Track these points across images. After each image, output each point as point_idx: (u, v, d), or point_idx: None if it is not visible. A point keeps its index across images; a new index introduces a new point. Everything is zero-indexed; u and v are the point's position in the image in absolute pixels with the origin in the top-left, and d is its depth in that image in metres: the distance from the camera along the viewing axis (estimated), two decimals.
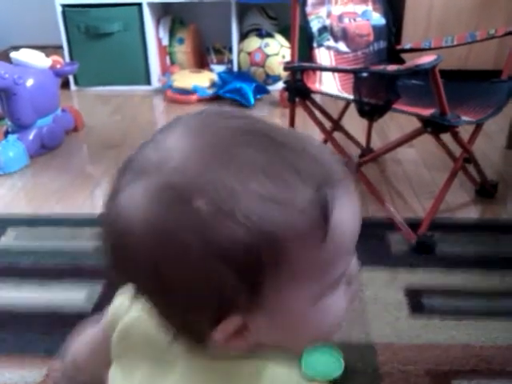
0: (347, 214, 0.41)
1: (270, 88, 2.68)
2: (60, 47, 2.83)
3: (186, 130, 0.43)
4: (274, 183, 0.38)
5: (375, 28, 1.65)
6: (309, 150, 0.41)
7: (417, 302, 1.24)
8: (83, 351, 0.63)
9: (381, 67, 1.34)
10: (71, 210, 1.69)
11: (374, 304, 1.23)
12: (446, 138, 1.47)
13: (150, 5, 2.74)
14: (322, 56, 1.55)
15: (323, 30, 1.53)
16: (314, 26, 1.52)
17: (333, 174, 0.40)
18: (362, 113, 1.35)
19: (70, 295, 1.29)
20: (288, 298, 0.41)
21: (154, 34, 2.86)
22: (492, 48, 2.48)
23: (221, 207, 0.37)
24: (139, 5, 2.70)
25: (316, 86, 1.53)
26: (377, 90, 1.32)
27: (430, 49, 1.64)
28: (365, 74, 1.28)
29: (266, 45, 2.61)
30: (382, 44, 1.67)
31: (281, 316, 0.42)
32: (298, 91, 1.55)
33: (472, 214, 1.64)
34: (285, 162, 0.39)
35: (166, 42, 2.92)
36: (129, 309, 0.54)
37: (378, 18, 1.66)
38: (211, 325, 0.41)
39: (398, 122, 2.19)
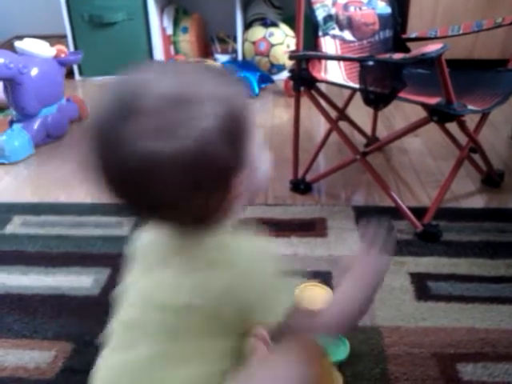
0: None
1: (275, 77, 2.68)
2: (64, 36, 2.83)
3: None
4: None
5: (381, 17, 1.64)
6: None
7: (422, 286, 1.24)
8: None
9: (386, 56, 1.33)
10: (76, 199, 1.70)
11: (380, 290, 1.23)
12: (452, 127, 1.47)
13: None
14: (328, 45, 1.54)
15: (328, 18, 1.52)
16: (320, 14, 1.51)
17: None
18: (368, 101, 1.34)
19: (76, 280, 1.30)
20: (250, 152, 0.63)
21: (158, 24, 2.85)
22: (499, 37, 2.47)
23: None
24: None
25: (321, 75, 1.52)
26: (382, 79, 1.31)
27: (436, 38, 1.63)
28: (370, 63, 1.27)
29: (271, 34, 2.59)
30: (388, 33, 1.66)
31: (249, 166, 0.64)
32: (303, 80, 1.54)
33: (477, 202, 1.63)
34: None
35: (170, 31, 2.91)
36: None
37: (383, 7, 1.65)
38: (225, 194, 0.62)
39: (404, 111, 2.19)
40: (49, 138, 2.12)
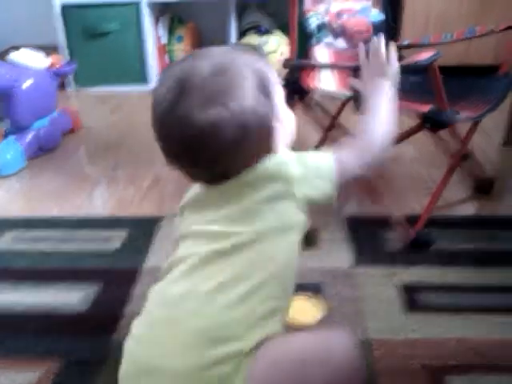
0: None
1: None
2: (59, 47, 2.83)
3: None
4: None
5: (374, 24, 1.64)
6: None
7: (412, 298, 1.24)
8: None
9: None
10: (69, 212, 1.69)
11: (370, 301, 1.22)
12: (443, 134, 1.47)
13: (149, 4, 2.74)
14: (321, 53, 1.54)
15: (322, 26, 1.53)
16: (313, 23, 1.52)
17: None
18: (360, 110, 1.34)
19: (66, 296, 1.29)
20: (278, 108, 0.80)
21: (153, 33, 2.85)
22: (491, 43, 2.47)
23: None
24: (137, 4, 2.70)
25: (314, 84, 1.52)
26: None
27: (428, 45, 1.62)
28: None
29: (265, 42, 2.60)
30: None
31: (281, 116, 0.80)
32: (297, 89, 1.54)
33: (469, 210, 1.63)
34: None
35: (164, 40, 2.92)
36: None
37: (376, 15, 1.65)
38: (269, 139, 0.79)
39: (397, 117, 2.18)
40: (41, 151, 2.12)
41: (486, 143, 2.02)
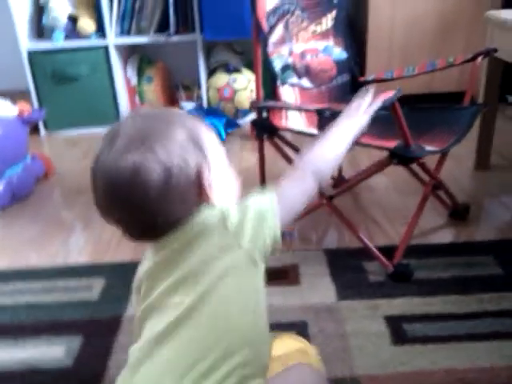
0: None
1: (241, 121, 2.70)
2: (28, 92, 2.82)
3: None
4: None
5: (337, 62, 1.68)
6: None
7: (398, 330, 1.24)
8: None
9: (342, 106, 1.36)
10: (46, 260, 1.67)
11: (356, 336, 1.23)
12: (414, 164, 1.50)
13: (117, 47, 2.75)
14: (287, 93, 1.57)
15: (286, 67, 1.56)
16: (277, 64, 1.55)
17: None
18: None
19: (48, 351, 1.25)
20: (212, 162, 0.79)
21: (122, 75, 2.87)
22: (454, 70, 2.52)
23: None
24: (105, 47, 2.71)
25: (282, 123, 1.54)
26: None
27: (392, 79, 1.67)
28: (327, 114, 1.30)
29: (234, 80, 2.64)
30: (346, 77, 1.71)
31: (218, 172, 0.80)
32: (266, 128, 1.56)
33: (446, 237, 1.66)
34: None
35: (134, 81, 2.93)
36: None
37: (339, 53, 1.69)
38: (199, 188, 0.76)
39: (368, 149, 2.22)
40: (15, 199, 2.08)
41: (458, 169, 2.07)
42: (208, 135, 0.80)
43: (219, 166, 0.81)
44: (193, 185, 0.76)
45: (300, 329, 1.24)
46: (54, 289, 1.51)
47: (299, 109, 1.53)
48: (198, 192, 0.77)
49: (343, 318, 1.29)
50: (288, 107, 1.51)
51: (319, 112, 1.35)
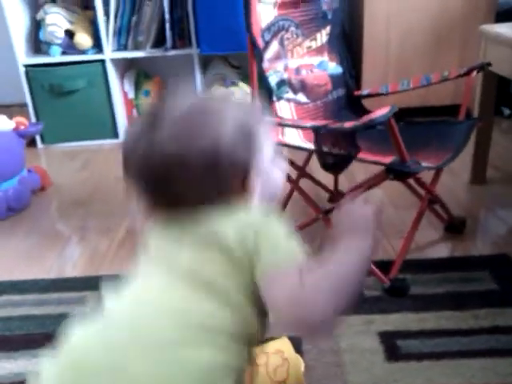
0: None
1: None
2: (25, 105, 2.83)
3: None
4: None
5: (333, 77, 1.69)
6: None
7: (392, 346, 1.24)
8: None
9: (338, 124, 1.36)
10: (40, 272, 1.66)
11: (350, 352, 1.22)
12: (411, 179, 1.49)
13: (114, 61, 2.77)
14: (283, 108, 1.57)
15: (281, 83, 1.56)
16: (273, 80, 1.55)
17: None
18: (325, 167, 1.37)
19: (39, 364, 1.24)
20: (260, 160, 0.75)
21: (120, 88, 2.88)
22: (450, 84, 2.53)
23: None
24: (102, 61, 2.72)
25: (279, 138, 1.55)
26: (337, 144, 1.34)
27: (387, 94, 1.68)
28: (323, 131, 1.31)
29: (231, 93, 2.64)
30: (341, 92, 1.71)
31: (260, 172, 0.75)
32: None
33: (442, 251, 1.65)
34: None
35: (131, 95, 2.94)
36: None
37: (334, 67, 1.70)
38: (241, 183, 0.74)
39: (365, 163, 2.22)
40: (11, 212, 2.08)
41: (454, 183, 2.07)
42: (261, 131, 0.76)
43: (267, 164, 0.77)
44: (235, 181, 0.73)
45: (294, 343, 1.23)
46: (48, 301, 1.50)
47: (295, 126, 1.53)
48: (238, 187, 0.74)
49: (337, 333, 1.28)
50: (283, 125, 1.51)
51: (315, 130, 1.35)
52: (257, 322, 0.71)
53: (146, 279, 0.74)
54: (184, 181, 0.71)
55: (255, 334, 0.72)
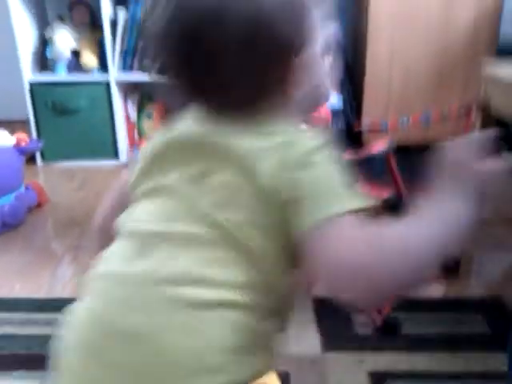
0: None
1: None
2: (27, 121, 2.84)
3: None
4: None
5: (332, 110, 1.70)
6: None
7: None
8: (107, 212, 0.82)
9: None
10: (30, 291, 1.65)
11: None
12: None
13: (118, 83, 2.79)
14: None
15: None
16: None
17: None
18: None
19: None
20: (311, 48, 0.63)
21: (123, 110, 2.89)
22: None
23: None
24: (107, 83, 2.74)
25: None
26: None
27: (386, 130, 1.69)
28: None
29: None
30: (341, 125, 1.72)
31: (308, 59, 0.62)
32: None
33: (435, 291, 1.64)
34: None
35: (134, 117, 2.96)
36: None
37: (335, 102, 1.71)
38: (282, 74, 0.61)
39: None
40: (6, 228, 2.07)
41: None
42: (314, 17, 0.63)
43: (312, 55, 0.64)
44: (276, 64, 0.61)
45: (282, 379, 1.21)
46: (35, 321, 1.48)
47: None
48: (276, 75, 0.61)
49: (327, 371, 1.26)
50: None
51: None
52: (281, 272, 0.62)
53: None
54: (216, 44, 0.59)
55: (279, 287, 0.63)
